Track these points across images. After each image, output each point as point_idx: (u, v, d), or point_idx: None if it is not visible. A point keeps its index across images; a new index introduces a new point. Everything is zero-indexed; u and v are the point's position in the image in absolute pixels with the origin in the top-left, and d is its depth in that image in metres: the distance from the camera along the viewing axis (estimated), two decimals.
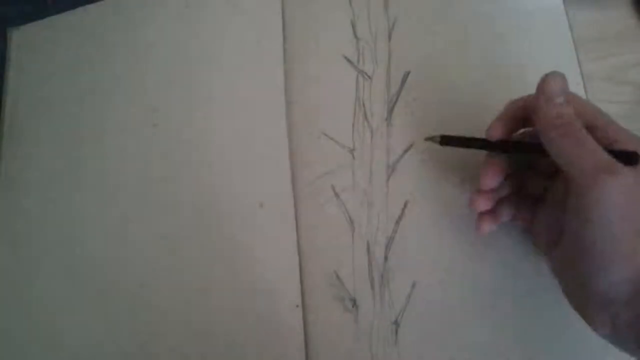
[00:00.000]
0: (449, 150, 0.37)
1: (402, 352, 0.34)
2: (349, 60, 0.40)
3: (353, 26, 0.41)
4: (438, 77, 0.38)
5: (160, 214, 0.40)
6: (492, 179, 0.30)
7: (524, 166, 0.33)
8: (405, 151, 0.38)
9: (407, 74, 0.39)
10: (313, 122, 0.40)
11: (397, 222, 0.37)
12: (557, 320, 0.33)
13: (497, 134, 0.30)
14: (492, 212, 0.33)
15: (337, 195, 0.38)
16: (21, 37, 0.48)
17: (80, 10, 0.47)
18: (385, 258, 0.36)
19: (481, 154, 0.33)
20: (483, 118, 0.32)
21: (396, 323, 0.35)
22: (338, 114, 0.39)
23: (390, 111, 0.39)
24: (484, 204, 0.31)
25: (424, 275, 0.35)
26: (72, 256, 0.41)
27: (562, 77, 0.27)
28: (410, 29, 0.40)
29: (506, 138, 0.30)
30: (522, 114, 0.30)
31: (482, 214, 0.32)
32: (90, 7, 0.47)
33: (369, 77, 0.40)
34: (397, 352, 0.34)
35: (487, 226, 0.32)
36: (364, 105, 0.39)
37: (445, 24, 0.39)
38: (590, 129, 0.26)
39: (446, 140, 0.33)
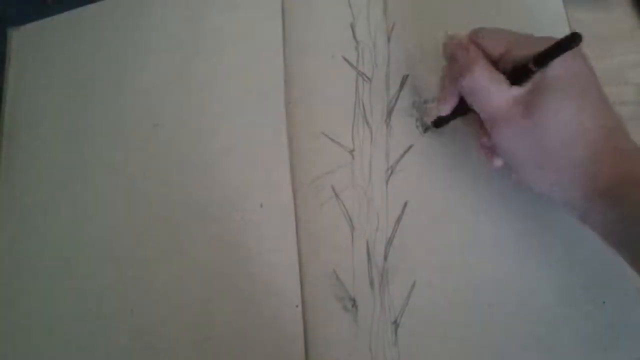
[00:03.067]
0: (449, 150, 0.37)
1: (402, 352, 0.34)
2: (348, 62, 0.40)
3: (352, 28, 0.41)
4: (437, 79, 0.38)
5: (160, 214, 0.40)
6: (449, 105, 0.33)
7: None
8: (405, 152, 0.38)
9: (406, 76, 0.39)
10: (313, 123, 0.40)
11: (397, 223, 0.37)
12: (557, 321, 0.33)
13: (447, 110, 0.33)
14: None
15: (336, 195, 0.38)
16: (21, 37, 0.48)
17: (80, 10, 0.47)
18: (385, 258, 0.36)
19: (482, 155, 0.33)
20: None
21: (396, 323, 0.35)
22: (338, 114, 0.39)
23: (390, 112, 0.39)
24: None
25: (424, 275, 0.35)
26: (72, 256, 0.41)
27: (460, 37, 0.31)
28: (409, 31, 0.40)
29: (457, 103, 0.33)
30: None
31: (485, 150, 0.33)
32: (90, 7, 0.47)
33: (368, 78, 0.40)
34: (397, 352, 0.34)
35: (495, 159, 0.33)
36: (363, 106, 0.39)
37: (444, 26, 0.39)
38: (503, 56, 0.30)
39: (437, 123, 0.37)
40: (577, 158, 0.28)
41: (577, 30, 0.26)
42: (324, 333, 0.35)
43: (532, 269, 0.34)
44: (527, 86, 0.28)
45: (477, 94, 0.30)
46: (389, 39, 0.41)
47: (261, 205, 0.38)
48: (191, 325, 0.37)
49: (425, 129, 0.38)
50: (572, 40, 0.26)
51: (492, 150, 0.32)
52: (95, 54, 0.46)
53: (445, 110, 0.34)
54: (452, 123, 0.36)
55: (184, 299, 0.38)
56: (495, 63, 0.30)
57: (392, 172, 0.38)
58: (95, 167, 0.42)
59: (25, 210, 0.43)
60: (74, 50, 0.46)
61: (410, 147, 0.38)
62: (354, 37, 0.41)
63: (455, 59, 0.31)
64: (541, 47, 0.27)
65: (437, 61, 0.39)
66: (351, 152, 0.39)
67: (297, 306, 0.36)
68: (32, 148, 0.44)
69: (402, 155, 0.38)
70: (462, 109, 0.33)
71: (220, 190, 0.39)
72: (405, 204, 0.37)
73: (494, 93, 0.29)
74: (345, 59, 0.41)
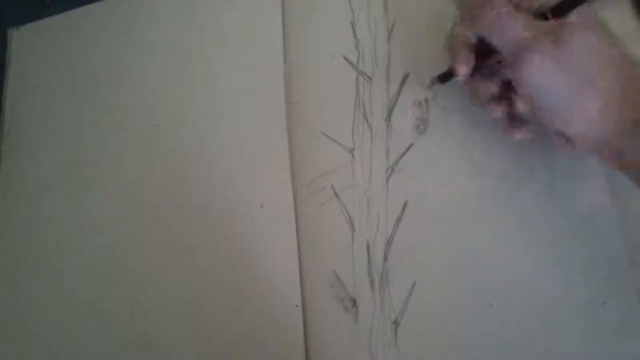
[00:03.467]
0: (449, 149, 0.37)
1: (402, 352, 0.34)
2: (348, 61, 0.40)
3: (353, 27, 0.41)
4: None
5: (159, 214, 0.40)
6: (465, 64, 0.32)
7: None
8: (405, 151, 0.38)
9: (406, 75, 0.39)
10: (313, 122, 0.40)
11: (397, 222, 0.37)
12: (557, 321, 0.33)
13: (465, 71, 0.32)
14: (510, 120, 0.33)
15: (337, 195, 0.38)
16: (21, 37, 0.48)
17: (80, 10, 0.47)
18: (385, 258, 0.36)
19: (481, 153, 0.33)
20: None
21: (396, 323, 0.35)
22: (338, 114, 0.39)
23: (390, 111, 0.39)
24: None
25: (424, 275, 0.35)
26: (72, 256, 0.41)
27: None
28: (409, 30, 0.40)
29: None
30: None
31: (504, 121, 0.33)
32: (90, 7, 0.47)
33: (368, 77, 0.40)
34: (397, 352, 0.34)
35: (516, 134, 0.33)
36: (363, 105, 0.39)
37: (445, 25, 0.39)
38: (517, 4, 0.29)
39: (442, 78, 0.36)
40: (610, 92, 0.27)
41: None
42: (324, 333, 0.35)
43: (532, 269, 0.34)
44: (552, 22, 0.28)
45: (503, 26, 0.29)
46: (389, 38, 0.40)
47: (261, 206, 0.38)
48: (191, 325, 0.37)
49: (432, 83, 0.37)
50: None
51: (510, 119, 0.32)
52: (95, 53, 0.46)
53: (463, 70, 0.32)
54: (451, 125, 0.36)
55: (184, 299, 0.38)
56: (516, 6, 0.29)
57: (392, 172, 0.38)
58: (95, 167, 0.42)
59: (25, 210, 0.43)
60: (74, 50, 0.46)
61: (410, 146, 0.38)
62: (354, 35, 0.41)
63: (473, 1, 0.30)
64: None
65: (438, 59, 0.39)
66: (351, 151, 0.39)
67: (297, 306, 0.36)
68: (32, 148, 0.45)
69: (403, 155, 0.38)
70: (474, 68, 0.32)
71: (220, 190, 0.39)
72: (405, 204, 0.37)
73: (519, 25, 0.28)
74: (346, 58, 0.40)
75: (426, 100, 0.38)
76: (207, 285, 0.38)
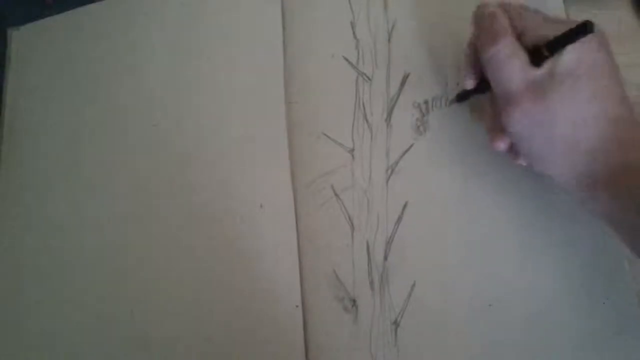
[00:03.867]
0: (449, 150, 0.37)
1: (402, 352, 0.34)
2: (348, 61, 0.40)
3: (353, 27, 0.41)
4: (438, 78, 0.38)
5: (159, 214, 0.40)
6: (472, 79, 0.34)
7: None
8: (405, 152, 0.38)
9: (406, 76, 0.39)
10: (313, 123, 0.40)
11: (397, 223, 0.37)
12: (557, 321, 0.33)
13: (471, 83, 0.34)
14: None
15: (336, 195, 0.38)
16: (21, 37, 0.48)
17: (80, 10, 0.47)
18: (385, 258, 0.36)
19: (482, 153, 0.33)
20: None
21: (396, 323, 0.35)
22: (338, 114, 0.39)
23: (390, 112, 0.39)
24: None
25: (424, 276, 0.35)
26: (72, 256, 0.41)
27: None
28: (409, 30, 0.40)
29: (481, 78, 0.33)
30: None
31: (492, 131, 0.33)
32: (90, 7, 0.47)
33: (368, 78, 0.40)
34: (397, 353, 0.34)
35: (500, 142, 0.33)
36: (363, 106, 0.39)
37: (445, 25, 0.39)
38: (524, 33, 0.30)
39: (460, 97, 0.37)
40: (584, 147, 0.28)
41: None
42: (324, 333, 0.35)
43: (532, 269, 0.34)
44: (542, 69, 0.28)
45: (497, 66, 0.29)
46: (389, 38, 0.40)
47: (261, 206, 0.38)
48: (191, 325, 0.37)
49: (450, 103, 0.38)
50: (583, 29, 0.26)
51: (500, 134, 0.32)
52: (95, 53, 0.46)
53: (469, 84, 0.34)
54: (451, 125, 0.36)
55: (183, 299, 0.38)
56: (518, 38, 0.30)
57: (392, 172, 0.38)
58: (94, 167, 0.42)
59: (25, 210, 0.43)
60: (74, 50, 0.46)
61: (410, 146, 0.38)
62: (354, 36, 0.41)
63: (481, 27, 0.31)
64: (558, 31, 0.28)
65: (438, 60, 0.39)
66: (351, 152, 0.39)
67: (297, 306, 0.36)
68: (32, 147, 0.44)
69: (403, 155, 0.38)
70: (485, 86, 0.33)
71: (220, 190, 0.39)
72: (405, 204, 0.37)
73: (514, 68, 0.29)
74: (346, 59, 0.40)
75: (426, 101, 0.38)
76: (207, 285, 0.38)
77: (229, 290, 0.37)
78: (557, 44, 0.28)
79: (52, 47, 0.47)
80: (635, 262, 0.33)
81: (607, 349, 0.32)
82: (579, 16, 0.38)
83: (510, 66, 0.29)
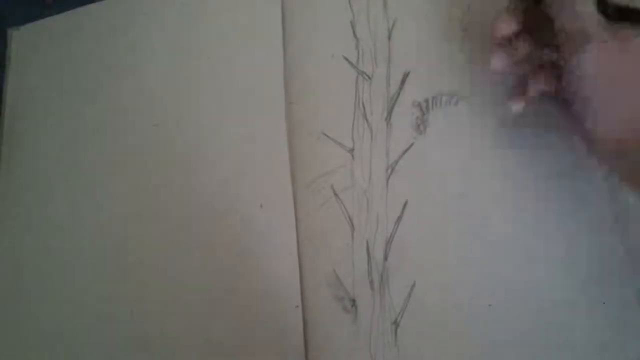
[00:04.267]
0: (449, 149, 0.37)
1: (402, 352, 0.34)
2: (348, 61, 0.40)
3: (352, 26, 0.41)
4: (438, 77, 0.38)
5: (159, 214, 0.40)
6: (507, 25, 0.31)
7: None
8: (405, 151, 0.38)
9: (406, 74, 0.39)
10: (313, 122, 0.40)
11: (397, 223, 0.37)
12: (557, 321, 0.33)
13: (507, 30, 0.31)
14: (521, 88, 0.32)
15: (336, 195, 0.38)
16: (21, 37, 0.48)
17: (80, 10, 0.47)
18: (385, 258, 0.36)
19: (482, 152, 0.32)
20: None
21: (396, 323, 0.35)
22: (338, 114, 0.39)
23: (390, 111, 0.39)
24: (499, 60, 0.32)
25: (424, 276, 0.35)
26: (72, 255, 0.41)
27: None
28: (409, 29, 0.40)
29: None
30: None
31: (512, 89, 0.32)
32: (90, 7, 0.47)
33: (368, 77, 0.40)
34: (397, 353, 0.34)
35: (516, 103, 0.32)
36: (363, 105, 0.39)
37: (445, 24, 0.39)
38: None
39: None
40: None
41: None
42: (323, 333, 0.35)
43: (532, 269, 0.34)
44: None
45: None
46: (389, 37, 0.40)
47: (261, 206, 0.38)
48: (191, 325, 0.37)
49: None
50: None
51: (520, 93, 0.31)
52: (95, 53, 0.46)
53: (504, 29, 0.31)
54: (451, 125, 0.36)
55: (183, 299, 0.38)
56: None
57: (392, 171, 0.38)
58: (94, 167, 0.42)
59: (25, 210, 0.43)
60: (74, 50, 0.46)
61: (410, 146, 0.38)
62: (354, 35, 0.41)
63: None
64: None
65: (438, 59, 0.39)
66: (351, 151, 0.39)
67: (296, 306, 0.36)
68: (32, 147, 0.45)
69: (403, 155, 0.38)
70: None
71: (220, 190, 0.39)
72: (405, 204, 0.37)
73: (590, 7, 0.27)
74: (345, 58, 0.40)
75: (426, 101, 0.38)
76: (206, 285, 0.38)
77: (228, 290, 0.37)
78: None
79: (52, 47, 0.47)
80: (635, 261, 0.33)
81: (607, 349, 0.32)
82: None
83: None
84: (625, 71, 0.27)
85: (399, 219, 0.37)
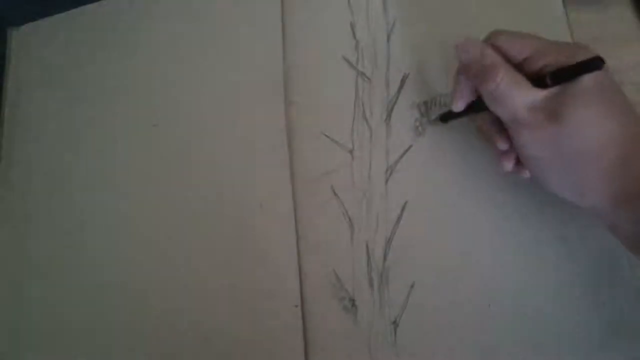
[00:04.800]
0: (448, 150, 0.37)
1: (401, 352, 0.34)
2: (348, 62, 0.40)
3: (352, 28, 0.41)
4: (437, 78, 0.38)
5: (159, 215, 0.40)
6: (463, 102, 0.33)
7: None
8: (405, 152, 0.38)
9: (406, 76, 0.39)
10: (313, 123, 0.40)
11: (396, 223, 0.37)
12: (557, 321, 0.33)
13: (461, 106, 0.33)
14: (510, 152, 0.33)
15: (336, 195, 0.38)
16: (21, 37, 0.48)
17: (80, 10, 0.47)
18: (385, 258, 0.36)
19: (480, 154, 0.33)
20: None
21: (395, 323, 0.35)
22: (337, 114, 0.39)
23: (390, 112, 0.39)
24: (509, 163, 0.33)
25: (423, 276, 0.35)
26: (72, 256, 0.41)
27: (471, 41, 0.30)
28: (409, 30, 0.40)
29: (472, 100, 0.32)
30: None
31: (502, 153, 0.33)
32: (90, 7, 0.47)
33: (368, 78, 0.40)
34: (396, 353, 0.34)
35: (507, 163, 0.32)
36: (363, 106, 0.39)
37: (444, 26, 0.39)
38: (527, 60, 0.29)
39: (444, 118, 0.36)
40: (605, 165, 0.27)
41: (579, 35, 0.25)
42: (323, 333, 0.36)
43: (532, 269, 0.34)
44: (552, 90, 0.28)
45: (500, 99, 0.29)
46: (388, 38, 0.40)
47: (261, 206, 0.38)
48: (190, 325, 0.37)
49: (433, 122, 0.38)
50: (595, 65, 0.26)
51: (506, 154, 0.32)
52: (95, 53, 0.46)
53: (459, 107, 0.33)
54: (450, 126, 0.36)
55: (183, 299, 0.38)
56: (518, 66, 0.29)
57: (391, 172, 0.38)
58: (94, 167, 0.42)
59: (25, 211, 0.43)
60: (74, 50, 0.46)
61: (410, 147, 0.38)
62: (354, 36, 0.41)
63: (472, 68, 0.30)
64: (564, 58, 0.27)
65: (437, 60, 0.39)
66: (351, 152, 0.39)
67: (296, 306, 0.36)
68: (32, 148, 0.45)
69: (402, 155, 0.38)
70: (475, 107, 0.32)
71: (219, 190, 0.39)
72: (405, 204, 0.37)
73: (517, 98, 0.28)
74: (345, 59, 0.41)
75: (425, 102, 0.38)
76: (206, 284, 0.38)
77: (228, 290, 0.37)
78: (562, 76, 0.27)
79: (52, 47, 0.47)
80: (635, 262, 0.33)
81: (607, 349, 0.32)
82: (579, 17, 0.38)
83: (513, 96, 0.28)
84: (553, 144, 0.28)
85: (399, 219, 0.37)
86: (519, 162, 0.32)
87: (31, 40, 0.48)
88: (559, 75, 0.27)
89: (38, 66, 0.47)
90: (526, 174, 0.32)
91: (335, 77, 0.40)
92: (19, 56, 0.48)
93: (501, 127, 0.31)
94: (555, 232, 0.35)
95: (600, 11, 0.38)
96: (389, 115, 0.39)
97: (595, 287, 0.33)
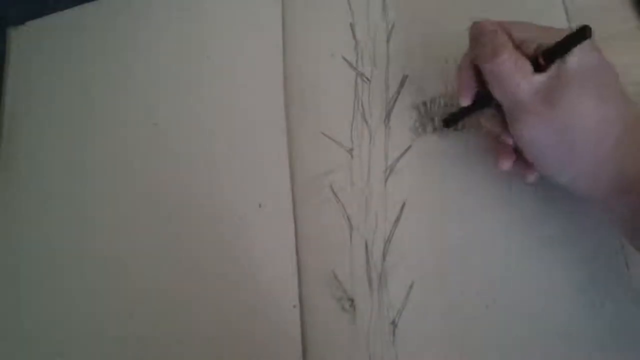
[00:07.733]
0: (447, 150, 0.37)
1: (400, 352, 0.34)
2: (348, 62, 0.40)
3: (352, 28, 0.41)
4: (436, 79, 0.38)
5: (159, 214, 0.40)
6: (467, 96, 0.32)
7: None
8: (404, 152, 0.38)
9: (405, 77, 0.39)
10: (312, 123, 0.40)
11: (395, 223, 0.37)
12: (556, 321, 0.33)
13: (467, 100, 0.32)
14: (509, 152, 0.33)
15: (335, 195, 0.38)
16: (21, 37, 0.48)
17: (80, 9, 0.47)
18: (384, 258, 0.36)
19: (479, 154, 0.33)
20: None
21: (394, 323, 0.35)
22: (337, 114, 0.40)
23: (389, 112, 0.39)
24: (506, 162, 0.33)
25: (422, 276, 0.35)
26: (72, 255, 0.41)
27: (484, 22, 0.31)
28: (408, 31, 0.40)
29: (477, 96, 0.32)
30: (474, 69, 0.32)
31: (500, 153, 0.33)
32: (90, 7, 0.47)
33: (367, 78, 0.40)
34: (395, 353, 0.34)
35: (506, 162, 0.32)
36: (362, 106, 0.39)
37: (444, 27, 0.39)
38: (520, 43, 0.29)
39: (447, 122, 0.36)
40: (602, 152, 0.27)
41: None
42: (322, 333, 0.35)
43: (531, 269, 0.34)
44: (548, 74, 0.28)
45: (502, 78, 0.28)
46: (388, 39, 0.40)
47: (260, 206, 0.38)
48: (190, 325, 0.37)
49: (438, 129, 0.37)
50: (582, 35, 0.26)
51: (504, 154, 0.32)
52: (95, 53, 0.46)
53: (465, 101, 0.32)
54: (448, 129, 0.36)
55: (182, 299, 0.38)
56: (518, 48, 0.29)
57: (390, 172, 0.38)
58: (94, 167, 0.43)
59: (25, 210, 0.43)
60: (74, 50, 0.46)
61: (409, 147, 0.38)
62: (354, 37, 0.41)
63: (481, 42, 0.30)
64: (556, 38, 0.27)
65: (436, 61, 0.39)
66: (350, 151, 0.39)
67: (294, 306, 0.36)
68: (32, 147, 0.45)
69: (401, 156, 0.38)
70: (478, 103, 0.32)
71: (219, 190, 0.39)
72: (404, 204, 0.37)
73: (519, 79, 0.28)
74: (345, 59, 0.41)
75: (424, 103, 0.38)
76: (205, 284, 0.38)
77: (227, 290, 0.37)
78: (554, 52, 0.27)
79: (52, 47, 0.47)
80: (634, 262, 0.33)
81: (606, 349, 0.32)
82: (579, 16, 0.38)
83: (516, 76, 0.28)
84: (553, 127, 0.28)
85: (398, 219, 0.37)
86: (521, 165, 0.32)
87: (31, 40, 0.48)
88: (551, 52, 0.27)
89: (38, 66, 0.47)
90: (529, 179, 0.32)
91: (335, 77, 0.40)
92: (19, 56, 0.48)
93: (504, 124, 0.31)
94: (555, 232, 0.34)
95: (600, 11, 0.38)
96: (388, 116, 0.39)
97: (594, 288, 0.33)
